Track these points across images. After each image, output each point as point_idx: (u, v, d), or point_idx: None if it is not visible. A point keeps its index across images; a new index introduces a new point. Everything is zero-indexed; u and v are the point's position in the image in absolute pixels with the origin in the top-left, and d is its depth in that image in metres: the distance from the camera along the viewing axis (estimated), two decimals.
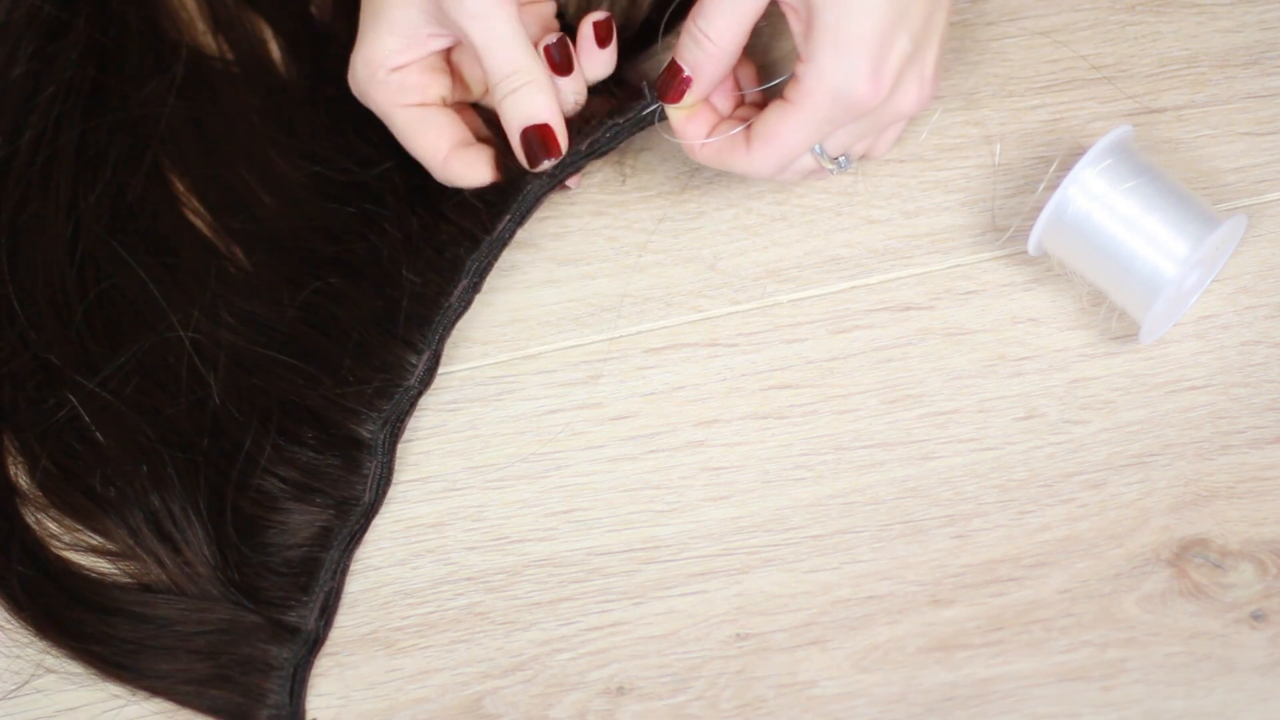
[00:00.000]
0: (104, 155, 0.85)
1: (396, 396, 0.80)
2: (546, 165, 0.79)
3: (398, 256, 0.81)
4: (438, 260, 0.80)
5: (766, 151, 0.79)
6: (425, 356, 0.80)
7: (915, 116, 0.83)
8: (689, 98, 0.79)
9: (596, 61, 0.80)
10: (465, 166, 0.80)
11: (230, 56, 0.88)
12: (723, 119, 0.81)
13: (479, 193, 0.80)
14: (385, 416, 0.80)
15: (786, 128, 0.78)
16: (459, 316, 0.81)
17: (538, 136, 0.78)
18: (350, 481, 0.80)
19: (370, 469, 0.80)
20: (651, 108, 0.80)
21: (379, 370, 0.80)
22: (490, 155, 0.80)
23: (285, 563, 0.79)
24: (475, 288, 0.80)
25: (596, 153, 0.80)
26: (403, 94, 0.80)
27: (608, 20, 0.80)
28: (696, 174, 0.86)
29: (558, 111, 0.78)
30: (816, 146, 0.80)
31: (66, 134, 0.85)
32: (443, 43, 0.80)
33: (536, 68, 0.78)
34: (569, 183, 0.81)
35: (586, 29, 0.80)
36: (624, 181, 0.86)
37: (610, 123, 0.80)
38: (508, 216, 0.80)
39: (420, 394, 0.81)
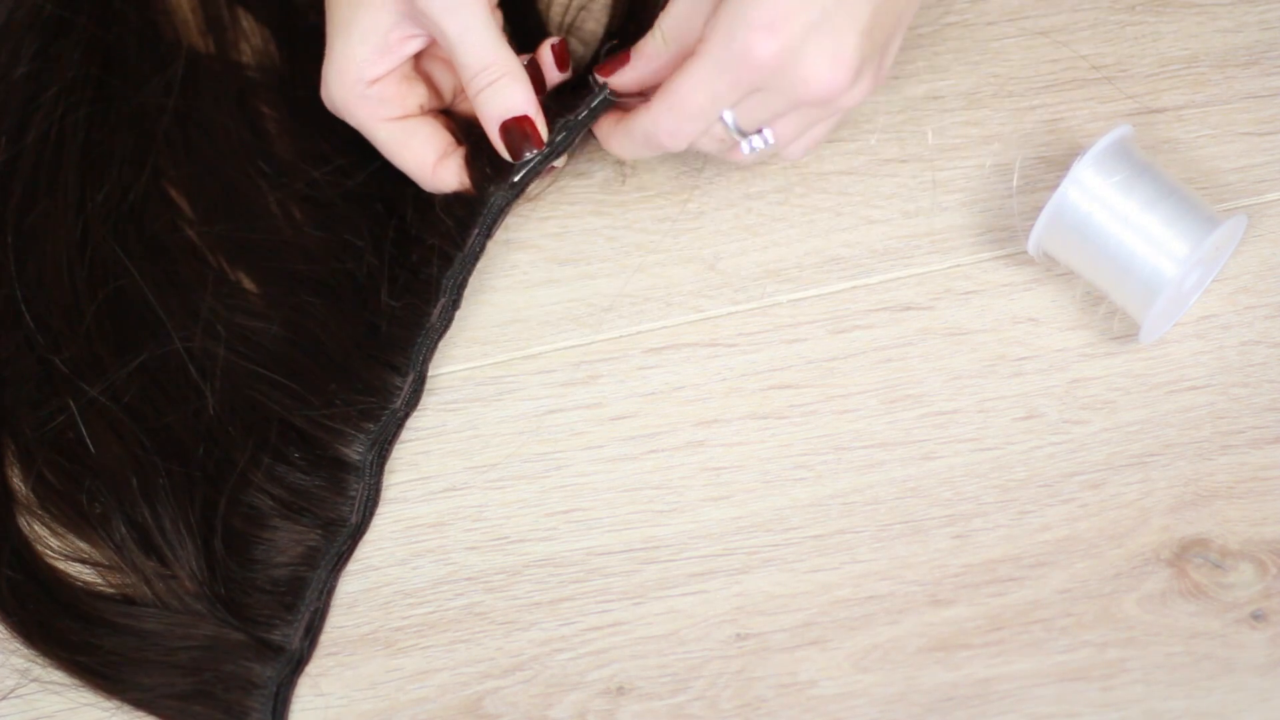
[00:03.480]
0: (109, 154, 0.85)
1: (383, 419, 0.80)
2: (529, 156, 0.79)
3: (376, 281, 0.81)
4: (414, 282, 0.81)
5: (665, 108, 0.76)
6: (410, 379, 0.80)
7: (835, 106, 0.77)
8: (622, 75, 0.78)
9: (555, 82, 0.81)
10: (453, 174, 0.80)
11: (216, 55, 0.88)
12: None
13: (447, 208, 0.80)
14: (373, 439, 0.80)
15: (685, 83, 0.75)
16: (441, 335, 0.81)
17: (519, 128, 0.78)
18: (336, 503, 0.80)
19: (356, 491, 0.80)
20: (600, 96, 0.80)
21: (363, 393, 0.80)
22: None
23: (271, 581, 0.79)
24: (455, 304, 0.80)
25: (556, 152, 0.80)
26: (383, 107, 0.80)
27: (563, 43, 0.81)
28: (697, 174, 0.86)
29: (535, 103, 0.79)
30: (728, 116, 0.77)
31: (71, 133, 0.85)
32: (416, 45, 0.80)
33: (511, 60, 0.78)
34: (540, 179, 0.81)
35: (545, 53, 0.81)
36: (624, 181, 0.86)
37: (565, 119, 0.80)
38: (475, 230, 0.80)
39: (407, 416, 0.81)
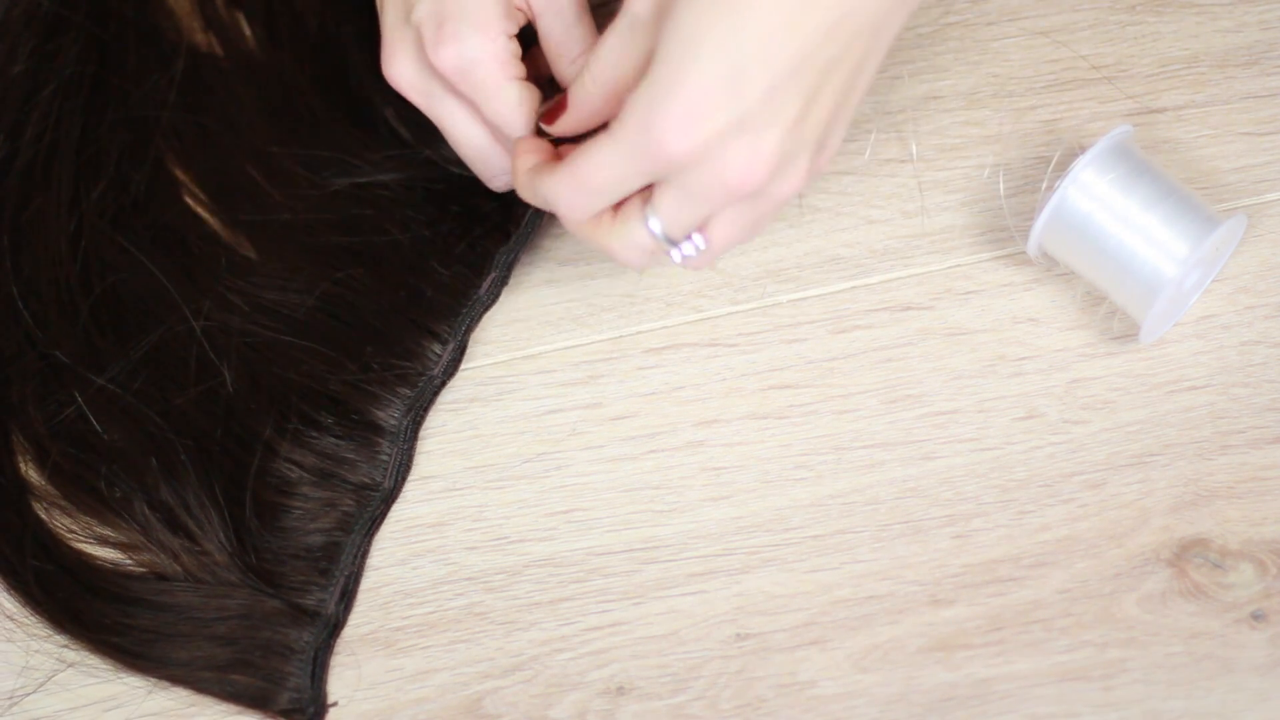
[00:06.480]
0: (106, 151, 0.85)
1: (420, 385, 0.80)
2: None
3: (424, 248, 0.81)
4: (468, 253, 0.81)
5: (568, 178, 0.71)
6: (450, 347, 0.81)
7: (765, 199, 0.71)
8: (563, 122, 0.74)
9: None
10: None
11: (220, 53, 0.88)
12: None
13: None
14: (409, 404, 0.80)
15: (592, 159, 0.70)
16: (487, 309, 0.81)
17: None
18: (368, 468, 0.80)
19: (389, 455, 0.80)
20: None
21: (402, 358, 0.80)
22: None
23: (305, 548, 0.79)
24: (504, 280, 0.81)
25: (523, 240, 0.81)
26: (514, 66, 0.76)
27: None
28: None
29: None
30: (655, 224, 0.71)
31: (68, 131, 0.85)
32: (521, 19, 0.77)
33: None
34: None
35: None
36: None
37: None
38: (533, 209, 0.80)
39: (444, 384, 0.81)
